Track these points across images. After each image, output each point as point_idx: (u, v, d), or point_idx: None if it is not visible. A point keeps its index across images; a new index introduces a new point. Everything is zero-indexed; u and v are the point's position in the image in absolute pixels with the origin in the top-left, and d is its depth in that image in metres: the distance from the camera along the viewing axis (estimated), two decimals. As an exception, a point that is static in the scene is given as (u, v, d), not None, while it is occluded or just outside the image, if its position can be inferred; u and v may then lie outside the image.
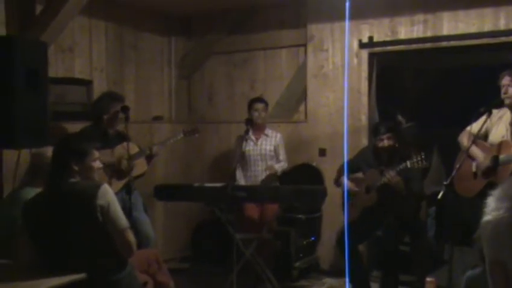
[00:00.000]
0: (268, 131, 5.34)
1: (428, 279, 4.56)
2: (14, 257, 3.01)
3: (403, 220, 4.48)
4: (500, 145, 3.87)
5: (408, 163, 4.26)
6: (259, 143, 5.28)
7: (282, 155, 5.34)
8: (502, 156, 3.81)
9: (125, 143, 4.41)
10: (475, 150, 3.98)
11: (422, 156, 4.22)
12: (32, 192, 3.17)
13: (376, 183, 4.48)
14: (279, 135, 5.36)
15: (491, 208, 1.02)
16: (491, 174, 3.86)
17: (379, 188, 4.47)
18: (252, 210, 5.17)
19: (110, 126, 4.69)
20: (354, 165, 4.75)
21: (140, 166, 4.71)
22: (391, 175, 4.32)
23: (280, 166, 5.31)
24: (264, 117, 5.28)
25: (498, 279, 1.01)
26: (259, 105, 5.26)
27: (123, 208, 3.09)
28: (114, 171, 4.55)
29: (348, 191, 4.63)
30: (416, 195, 4.52)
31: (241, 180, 5.26)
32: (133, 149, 4.63)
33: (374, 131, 4.73)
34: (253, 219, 5.14)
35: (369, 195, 4.54)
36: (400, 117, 6.23)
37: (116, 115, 4.66)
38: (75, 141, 3.02)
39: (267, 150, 5.27)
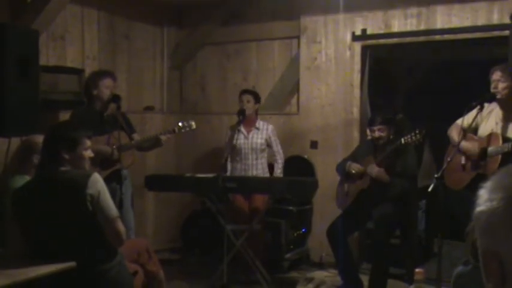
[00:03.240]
0: (259, 124, 5.30)
1: (417, 269, 4.60)
2: (4, 245, 3.00)
3: (395, 200, 4.49)
4: (489, 137, 3.90)
5: (402, 140, 4.31)
6: (250, 136, 5.25)
7: (276, 146, 5.29)
8: (490, 148, 3.84)
9: (115, 132, 4.38)
10: (465, 144, 4.00)
11: (416, 132, 4.23)
12: (21, 180, 3.16)
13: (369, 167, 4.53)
14: (270, 127, 5.33)
15: (484, 199, 1.02)
16: (480, 167, 3.89)
17: None
18: (241, 201, 5.17)
19: (102, 106, 4.63)
20: (351, 160, 4.78)
21: (127, 158, 4.59)
22: (372, 169, 4.46)
23: (280, 169, 5.29)
24: (252, 108, 5.22)
25: (492, 270, 1.01)
26: (246, 97, 5.22)
27: (113, 198, 3.07)
28: (102, 160, 4.47)
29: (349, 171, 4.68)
30: (409, 172, 4.55)
31: (231, 172, 5.25)
32: (124, 139, 4.58)
33: (369, 121, 4.79)
34: (243, 210, 5.14)
35: (363, 180, 4.59)
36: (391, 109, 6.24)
37: (104, 90, 4.59)
38: (66, 130, 2.99)
39: (257, 144, 5.25)
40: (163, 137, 4.66)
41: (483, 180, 1.07)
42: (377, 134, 4.56)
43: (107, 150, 4.45)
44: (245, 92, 5.29)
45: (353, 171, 4.64)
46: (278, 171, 5.27)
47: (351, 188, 4.68)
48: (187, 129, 4.72)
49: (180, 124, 4.72)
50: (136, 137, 4.80)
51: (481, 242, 1.05)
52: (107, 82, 4.64)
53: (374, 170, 4.47)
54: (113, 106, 4.60)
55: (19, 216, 2.90)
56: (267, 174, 5.28)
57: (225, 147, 5.37)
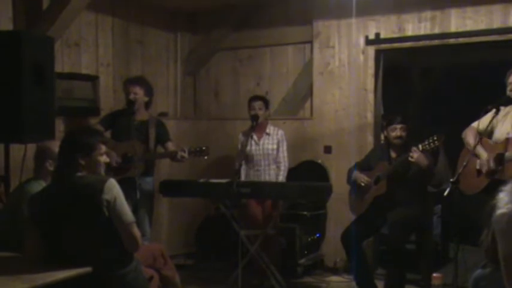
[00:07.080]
0: (270, 129, 5.27)
1: (434, 274, 4.55)
2: (21, 250, 3.02)
3: (413, 206, 4.45)
4: (507, 142, 3.85)
5: (420, 146, 4.22)
6: (261, 142, 5.24)
7: (282, 153, 5.24)
8: (507, 154, 3.79)
9: (132, 141, 4.43)
10: (480, 150, 3.96)
11: (434, 138, 4.15)
12: (37, 186, 3.18)
13: (385, 173, 4.48)
14: (280, 132, 5.30)
15: (505, 201, 1.01)
16: (495, 174, 3.84)
17: (389, 176, 4.46)
18: (255, 206, 5.16)
19: (134, 111, 4.76)
20: (365, 164, 4.75)
21: (134, 169, 4.63)
22: (414, 152, 4.24)
23: (281, 176, 5.24)
24: (263, 115, 5.19)
25: None
26: (256, 103, 5.19)
27: (129, 204, 3.08)
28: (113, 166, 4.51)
29: (358, 183, 4.66)
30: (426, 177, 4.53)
31: (244, 178, 5.24)
32: (140, 149, 4.64)
33: (388, 120, 4.66)
34: (257, 215, 5.13)
35: (379, 185, 4.55)
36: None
37: (128, 96, 4.84)
38: (82, 135, 3.01)
39: (269, 150, 5.23)
40: (179, 154, 4.72)
41: (499, 185, 1.06)
42: (399, 132, 4.51)
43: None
44: (256, 98, 5.27)
45: (362, 184, 4.61)
46: (280, 178, 5.22)
47: (366, 193, 4.64)
48: (198, 154, 4.79)
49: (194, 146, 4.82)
50: (170, 146, 4.95)
51: (501, 244, 1.04)
52: (133, 88, 4.84)
53: (416, 153, 4.23)
54: (144, 113, 4.80)
55: (36, 222, 2.92)
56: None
57: (238, 153, 5.36)
